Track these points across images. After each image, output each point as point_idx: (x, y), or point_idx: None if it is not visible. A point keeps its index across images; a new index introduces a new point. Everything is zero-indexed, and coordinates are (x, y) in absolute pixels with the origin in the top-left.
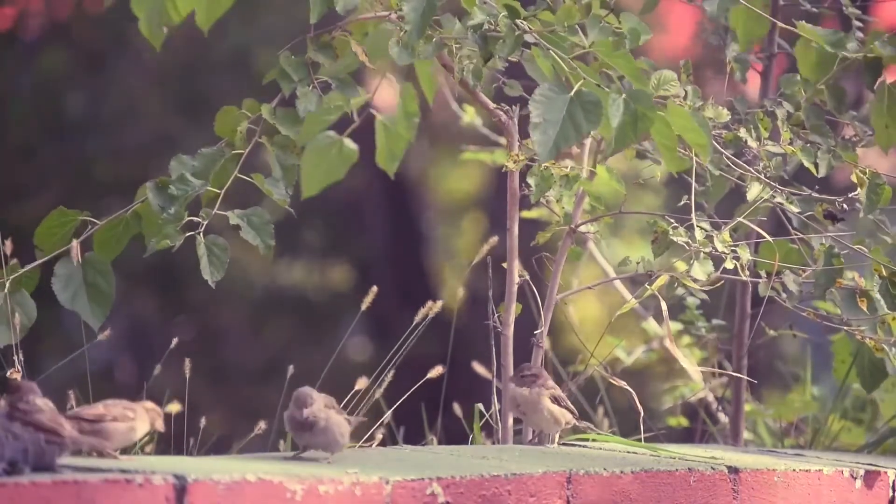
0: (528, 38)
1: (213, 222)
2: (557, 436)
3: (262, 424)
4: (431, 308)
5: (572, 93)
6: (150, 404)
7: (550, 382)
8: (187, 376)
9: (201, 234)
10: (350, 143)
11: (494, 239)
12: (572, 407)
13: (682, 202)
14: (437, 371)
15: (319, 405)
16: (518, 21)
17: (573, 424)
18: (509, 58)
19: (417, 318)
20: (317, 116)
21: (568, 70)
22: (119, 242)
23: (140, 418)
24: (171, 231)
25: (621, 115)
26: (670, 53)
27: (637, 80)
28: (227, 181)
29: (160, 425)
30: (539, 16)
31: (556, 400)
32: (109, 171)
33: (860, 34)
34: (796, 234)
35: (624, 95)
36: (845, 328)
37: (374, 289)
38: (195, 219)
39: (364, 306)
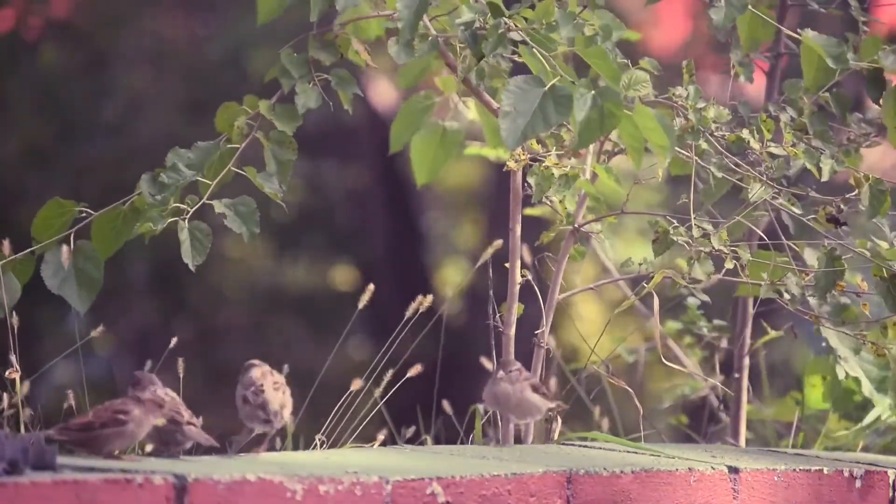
0: (515, 36)
1: (211, 218)
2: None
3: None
4: (422, 302)
5: (546, 87)
6: (147, 398)
7: (527, 373)
8: (181, 375)
9: (185, 219)
10: (454, 125)
11: (499, 242)
12: (548, 391)
13: (681, 201)
14: (416, 369)
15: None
16: (504, 19)
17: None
18: (506, 56)
19: (409, 313)
20: (412, 105)
21: (549, 68)
22: (118, 236)
23: (136, 420)
24: (154, 215)
25: (587, 111)
26: (665, 51)
27: (611, 77)
28: (221, 174)
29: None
30: (522, 13)
31: (535, 389)
32: (112, 171)
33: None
34: (788, 243)
35: (593, 91)
36: (846, 331)
37: (371, 287)
38: (181, 206)
39: (361, 305)
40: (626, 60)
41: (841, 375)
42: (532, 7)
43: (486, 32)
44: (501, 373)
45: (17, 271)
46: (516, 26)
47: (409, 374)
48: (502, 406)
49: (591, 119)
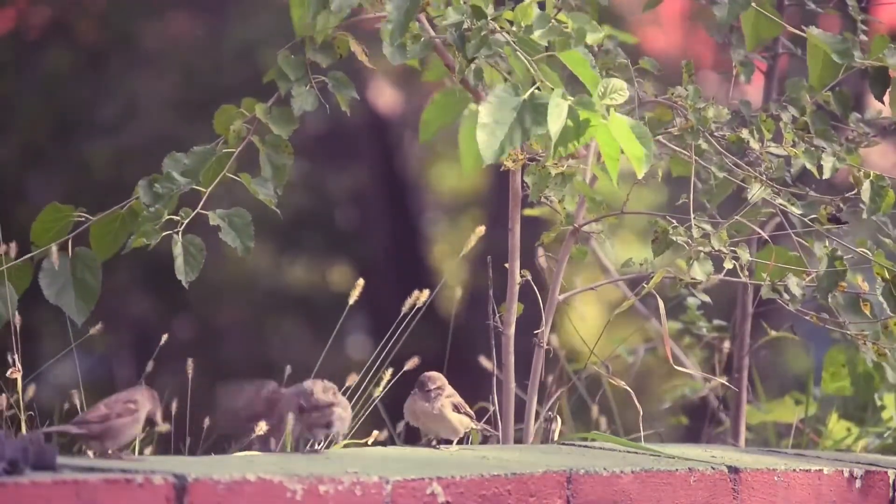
0: (500, 38)
1: (205, 221)
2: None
3: (261, 423)
4: (418, 297)
5: (525, 95)
6: (143, 390)
7: (450, 390)
8: (190, 376)
9: (179, 233)
10: None
11: (481, 228)
12: (471, 411)
13: (681, 201)
14: (412, 363)
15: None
16: (487, 21)
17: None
18: (503, 55)
19: (405, 309)
20: (446, 98)
21: (533, 71)
22: (116, 239)
23: (142, 407)
24: (148, 229)
25: (563, 120)
26: (668, 51)
27: (589, 82)
28: (217, 180)
29: (157, 410)
30: (504, 15)
31: (456, 408)
32: (112, 172)
33: (864, 37)
34: (798, 238)
35: (570, 101)
36: (847, 332)
37: (361, 282)
38: (175, 218)
39: (352, 300)
40: (626, 60)
41: (868, 361)
42: (512, 10)
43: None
44: (416, 391)
45: (16, 277)
46: (501, 28)
47: (406, 368)
48: (421, 422)
49: (567, 128)
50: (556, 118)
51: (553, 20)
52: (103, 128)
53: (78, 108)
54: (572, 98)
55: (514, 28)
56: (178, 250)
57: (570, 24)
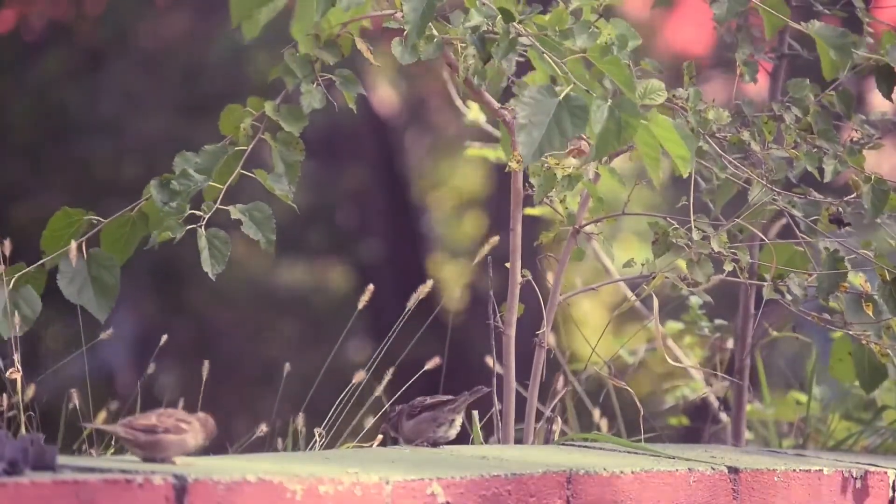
0: (525, 41)
1: (219, 220)
2: None
3: (262, 426)
4: (422, 290)
5: (561, 96)
6: (202, 416)
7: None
8: (204, 377)
9: (203, 227)
10: None
11: (495, 239)
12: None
13: (681, 203)
14: (434, 362)
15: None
16: (514, 24)
17: None
18: (512, 58)
19: (410, 303)
20: None
21: (561, 74)
22: (128, 244)
23: (194, 431)
24: (172, 223)
25: (605, 122)
26: (676, 49)
27: (626, 86)
28: (230, 178)
29: (207, 437)
30: (533, 19)
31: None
32: (111, 171)
33: (870, 40)
34: (802, 238)
35: (609, 102)
36: (849, 332)
37: (371, 287)
38: (197, 213)
39: (360, 305)
40: (628, 62)
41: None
42: (543, 12)
43: (496, 37)
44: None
45: (31, 283)
46: (527, 31)
47: (426, 367)
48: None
49: (608, 130)
50: (598, 120)
51: (593, 26)
52: (101, 128)
53: (76, 109)
54: (611, 99)
55: (546, 32)
56: (203, 243)
57: (612, 30)
